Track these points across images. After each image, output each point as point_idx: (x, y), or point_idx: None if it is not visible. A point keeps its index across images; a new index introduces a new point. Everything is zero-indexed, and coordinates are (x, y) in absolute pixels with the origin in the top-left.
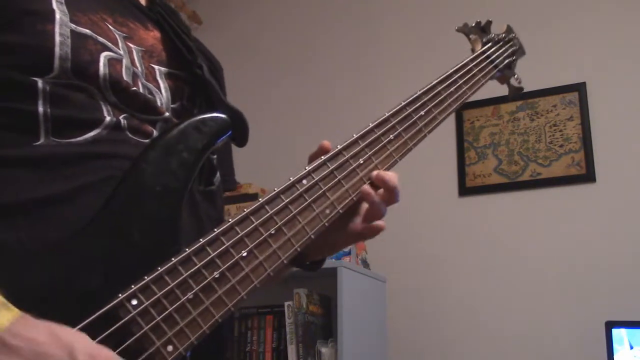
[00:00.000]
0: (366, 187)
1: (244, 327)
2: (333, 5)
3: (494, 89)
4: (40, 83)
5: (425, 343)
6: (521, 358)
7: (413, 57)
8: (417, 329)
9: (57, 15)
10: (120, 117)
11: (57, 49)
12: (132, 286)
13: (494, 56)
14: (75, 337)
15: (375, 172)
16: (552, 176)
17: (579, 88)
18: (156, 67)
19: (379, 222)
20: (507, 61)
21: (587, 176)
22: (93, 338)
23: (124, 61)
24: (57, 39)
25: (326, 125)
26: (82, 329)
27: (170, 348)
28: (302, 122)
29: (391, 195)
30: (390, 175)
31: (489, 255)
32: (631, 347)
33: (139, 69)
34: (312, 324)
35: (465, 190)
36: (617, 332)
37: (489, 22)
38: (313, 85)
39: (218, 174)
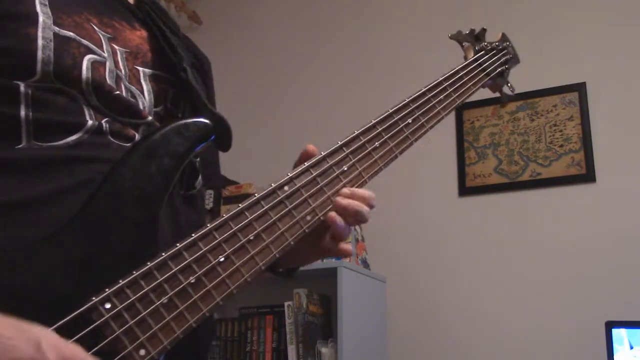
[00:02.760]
0: (332, 213)
1: (244, 327)
2: (333, 6)
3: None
4: (22, 87)
5: (425, 343)
6: (521, 358)
7: (415, 57)
8: (417, 329)
9: (41, 18)
10: (103, 121)
11: (39, 53)
12: (106, 289)
13: (486, 64)
14: (42, 333)
15: (345, 189)
16: (552, 176)
17: (579, 88)
18: (140, 68)
19: (346, 247)
20: (499, 69)
21: (587, 176)
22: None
23: (108, 64)
24: (40, 42)
25: (326, 125)
26: (56, 330)
27: (142, 352)
28: (302, 122)
29: (357, 217)
30: (356, 198)
31: (489, 255)
32: (631, 347)
33: (123, 71)
34: (312, 324)
35: (465, 190)
36: (617, 332)
37: (483, 30)
38: (313, 85)
39: (200, 178)
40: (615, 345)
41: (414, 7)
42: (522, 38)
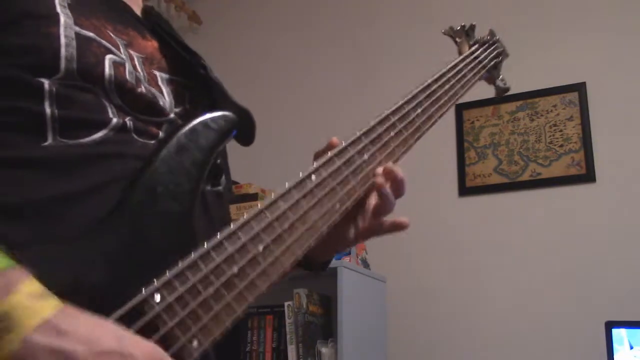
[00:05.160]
0: (380, 179)
1: (244, 327)
2: (333, 5)
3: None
4: (46, 84)
5: (425, 343)
6: (521, 358)
7: (415, 56)
8: (417, 329)
9: (62, 18)
10: (126, 119)
11: (62, 50)
12: (155, 281)
13: (481, 57)
14: (119, 329)
15: (384, 166)
16: (552, 176)
17: (579, 88)
18: (157, 73)
19: (401, 219)
20: (493, 62)
21: (587, 176)
22: None
23: (127, 65)
24: (63, 40)
25: (326, 125)
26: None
27: (195, 343)
28: (302, 122)
29: (399, 187)
30: (397, 168)
31: (489, 255)
32: (631, 347)
33: (141, 74)
34: (312, 324)
35: (465, 190)
36: (617, 332)
37: (472, 26)
38: (313, 85)
39: (224, 177)
40: (615, 345)
41: (416, 8)
42: (522, 38)
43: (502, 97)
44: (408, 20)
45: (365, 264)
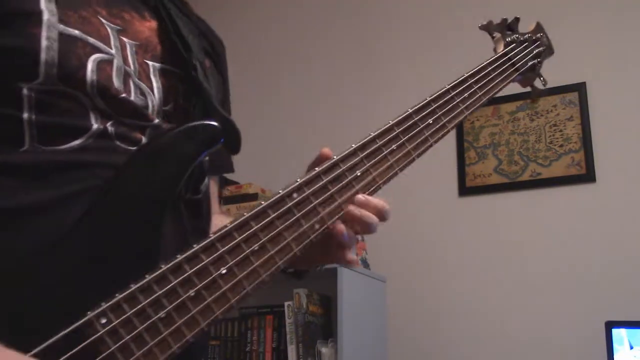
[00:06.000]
0: (340, 227)
1: (244, 327)
2: (334, 4)
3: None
4: (25, 89)
5: (425, 343)
6: (521, 358)
7: (417, 55)
8: (417, 329)
9: (45, 17)
10: (108, 125)
11: (43, 55)
12: (102, 304)
13: (516, 58)
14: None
15: (360, 197)
16: (552, 176)
17: (579, 88)
18: (150, 63)
19: (352, 257)
20: (530, 63)
21: (587, 176)
22: (58, 357)
23: (115, 61)
24: (44, 43)
25: (327, 125)
26: (48, 347)
27: None
28: (302, 122)
29: (367, 227)
30: (371, 200)
31: (489, 255)
32: (631, 347)
33: (132, 67)
34: (312, 324)
35: (465, 190)
36: (617, 332)
37: (516, 20)
38: (313, 85)
39: (206, 181)
40: (615, 345)
41: (420, 6)
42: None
43: (503, 97)
44: (413, 17)
45: (365, 264)
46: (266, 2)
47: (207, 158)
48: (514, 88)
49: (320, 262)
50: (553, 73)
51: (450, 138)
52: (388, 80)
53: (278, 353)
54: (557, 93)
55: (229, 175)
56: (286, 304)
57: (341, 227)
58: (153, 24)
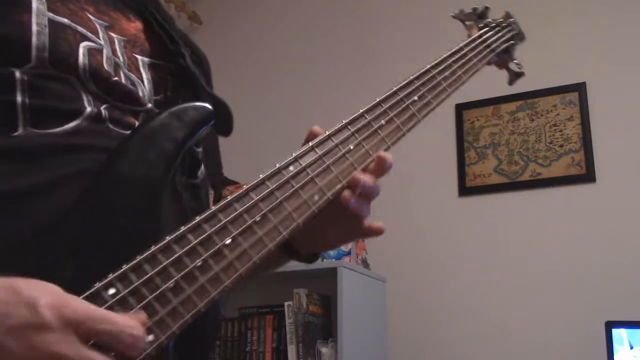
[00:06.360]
0: (345, 194)
1: (244, 327)
2: (333, 4)
3: (494, 88)
4: (17, 73)
5: (425, 343)
6: (521, 358)
7: (417, 55)
8: (417, 329)
9: (34, 5)
10: (102, 108)
11: (34, 39)
12: (110, 275)
13: (490, 40)
14: (40, 291)
15: (353, 175)
16: (552, 176)
17: (579, 88)
18: (139, 57)
19: (376, 225)
20: (504, 45)
21: (587, 176)
22: None
23: (105, 51)
24: (35, 28)
25: (327, 125)
26: None
27: (151, 337)
28: (302, 121)
29: (368, 192)
30: (365, 176)
31: (489, 255)
32: (631, 347)
33: (121, 59)
34: (312, 324)
35: (465, 190)
36: (617, 332)
37: (486, 9)
38: (313, 85)
39: (202, 168)
40: (615, 345)
41: (416, 17)
42: None
43: (503, 97)
44: (413, 17)
45: (365, 264)
46: (265, 3)
47: (199, 149)
48: (514, 88)
49: (339, 243)
50: (553, 73)
51: (451, 138)
52: (388, 80)
53: (278, 353)
54: (557, 93)
55: (229, 175)
56: (286, 304)
57: (346, 194)
58: (138, 24)
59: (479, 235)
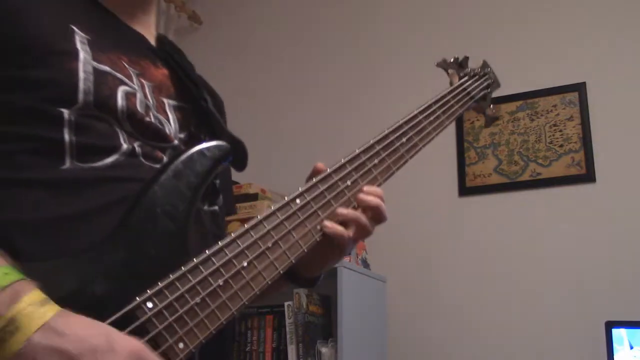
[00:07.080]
0: (340, 229)
1: (244, 327)
2: (333, 5)
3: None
4: (66, 114)
5: (425, 343)
6: (521, 358)
7: (414, 56)
8: (417, 329)
9: (81, 55)
10: (135, 145)
11: (81, 84)
12: (148, 291)
13: (470, 88)
14: (109, 329)
15: (360, 192)
16: (552, 176)
17: (579, 88)
18: (165, 100)
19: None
20: (482, 93)
21: (587, 176)
22: None
23: (138, 95)
24: (81, 75)
25: (326, 125)
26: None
27: (181, 345)
28: (302, 122)
29: (377, 214)
30: (373, 192)
31: (489, 255)
32: (631, 347)
33: (151, 101)
34: (312, 324)
35: (465, 190)
36: (617, 332)
37: (466, 58)
38: (314, 86)
39: (221, 197)
40: (615, 345)
41: (419, 9)
42: (522, 38)
43: (503, 97)
44: (411, 21)
45: (365, 264)
46: (265, 3)
47: (217, 180)
48: (514, 88)
49: (333, 262)
50: (553, 73)
51: (451, 138)
52: (389, 79)
53: (278, 353)
54: (557, 93)
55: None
56: (286, 304)
57: (340, 229)
58: (165, 71)
59: (479, 235)
